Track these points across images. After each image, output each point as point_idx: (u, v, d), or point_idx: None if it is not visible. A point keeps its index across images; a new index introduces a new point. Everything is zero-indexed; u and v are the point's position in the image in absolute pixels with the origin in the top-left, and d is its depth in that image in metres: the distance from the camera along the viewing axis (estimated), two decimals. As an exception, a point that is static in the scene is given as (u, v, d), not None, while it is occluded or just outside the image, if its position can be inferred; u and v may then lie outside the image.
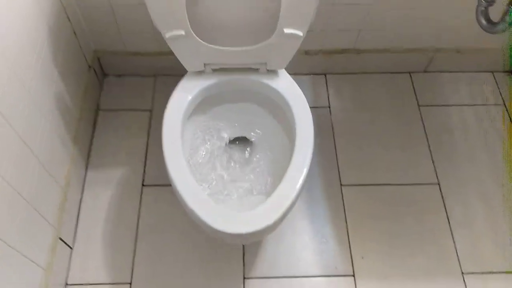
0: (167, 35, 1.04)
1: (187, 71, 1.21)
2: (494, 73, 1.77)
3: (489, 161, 1.57)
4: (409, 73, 1.75)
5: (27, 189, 1.08)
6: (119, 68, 1.64)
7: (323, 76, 1.73)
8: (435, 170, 1.54)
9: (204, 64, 1.16)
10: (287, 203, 1.03)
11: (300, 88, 1.21)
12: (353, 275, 1.35)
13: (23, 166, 1.07)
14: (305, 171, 1.08)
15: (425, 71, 1.76)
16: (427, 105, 1.68)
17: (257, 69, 1.19)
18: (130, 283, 1.31)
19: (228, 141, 1.30)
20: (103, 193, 1.45)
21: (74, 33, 1.39)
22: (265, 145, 1.29)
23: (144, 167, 1.50)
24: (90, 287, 1.30)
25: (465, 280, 1.36)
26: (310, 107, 1.17)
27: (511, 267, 1.38)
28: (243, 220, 1.02)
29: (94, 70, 1.56)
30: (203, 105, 1.23)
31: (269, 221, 1.02)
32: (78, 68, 1.45)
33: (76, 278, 1.32)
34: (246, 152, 1.29)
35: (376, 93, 1.70)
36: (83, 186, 1.46)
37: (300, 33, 1.06)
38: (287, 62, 1.17)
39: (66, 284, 1.30)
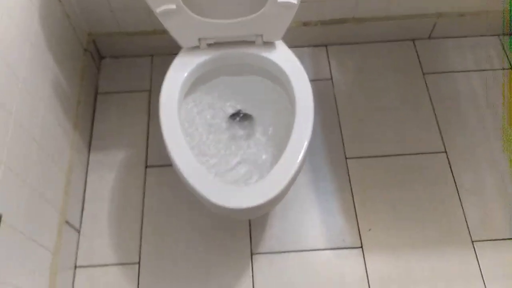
0: (158, 10, 1.02)
1: (181, 49, 1.18)
2: (500, 36, 1.71)
3: (496, 127, 1.53)
4: (413, 40, 1.71)
5: (31, 176, 1.08)
6: (115, 49, 1.62)
7: (324, 47, 1.69)
8: (442, 139, 1.51)
9: (199, 39, 1.14)
10: (288, 177, 1.02)
11: (301, 60, 1.18)
12: (361, 247, 1.34)
13: (26, 153, 1.07)
14: (305, 144, 1.06)
15: (429, 38, 1.71)
16: (432, 73, 1.64)
17: (253, 41, 1.17)
18: (139, 263, 1.32)
19: (228, 116, 1.28)
20: (107, 175, 1.45)
21: (67, 15, 1.37)
22: (266, 118, 1.27)
23: (147, 148, 1.49)
24: (99, 268, 1.31)
25: (475, 248, 1.34)
26: (311, 80, 1.15)
27: (521, 233, 1.36)
28: (244, 195, 1.01)
29: (90, 53, 1.55)
30: (200, 81, 1.21)
31: (271, 195, 1.01)
32: (73, 52, 1.43)
33: (84, 260, 1.32)
34: (247, 126, 1.27)
35: (379, 63, 1.66)
36: (87, 169, 1.46)
37: (294, 1, 1.03)
38: (283, 33, 1.14)
39: (75, 266, 1.31)
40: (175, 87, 1.12)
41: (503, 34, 1.71)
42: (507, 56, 1.67)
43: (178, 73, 1.14)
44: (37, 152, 1.12)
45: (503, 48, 1.69)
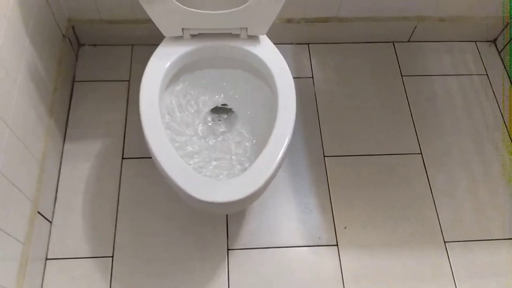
0: (143, -3, 1.00)
1: (164, 38, 1.16)
2: (477, 43, 1.76)
3: (472, 131, 1.57)
4: (393, 42, 1.73)
5: (2, 161, 1.04)
6: (94, 37, 1.58)
7: (306, 45, 1.69)
8: (418, 140, 1.54)
9: (182, 29, 1.12)
10: (268, 173, 1.01)
11: (284, 57, 1.18)
12: (337, 245, 1.35)
13: (-4, 136, 1.03)
14: (286, 140, 1.06)
15: (408, 41, 1.74)
16: (411, 75, 1.67)
17: (238, 34, 1.16)
18: (112, 256, 1.29)
19: (209, 110, 1.27)
20: (82, 166, 1.41)
21: (47, -1, 1.33)
22: (248, 113, 1.26)
23: (124, 139, 1.46)
24: (70, 261, 1.28)
25: (447, 249, 1.37)
26: (293, 78, 1.15)
27: (492, 235, 1.40)
28: (223, 189, 1.00)
29: (69, 40, 1.50)
30: (182, 72, 1.20)
31: (250, 190, 1.00)
32: (51, 37, 1.39)
33: (56, 252, 1.29)
34: (228, 120, 1.26)
35: (360, 63, 1.68)
36: (61, 159, 1.42)
37: (282, -6, 1.03)
38: (268, 27, 1.13)
39: (47, 258, 1.28)
40: (157, 76, 1.10)
41: (481, 41, 1.75)
42: (483, 62, 1.71)
43: (161, 61, 1.12)
44: (9, 137, 1.08)
45: (479, 54, 1.73)
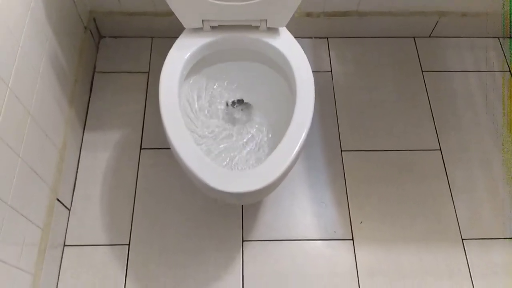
0: (164, -13, 1.00)
1: (184, 30, 1.17)
2: (500, 39, 1.72)
3: (491, 128, 1.55)
4: (414, 37, 1.71)
5: (24, 149, 1.06)
6: (115, 29, 1.60)
7: (325, 39, 1.68)
8: (437, 136, 1.52)
9: (202, 21, 1.13)
10: (285, 165, 1.02)
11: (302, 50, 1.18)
12: (352, 239, 1.35)
13: (20, 125, 1.05)
14: (304, 133, 1.05)
15: (430, 36, 1.71)
16: (431, 71, 1.65)
17: (257, 26, 1.16)
18: (129, 245, 1.31)
19: (228, 102, 1.27)
20: (100, 155, 1.43)
21: (69, -10, 1.35)
22: (266, 106, 1.26)
23: (142, 130, 1.48)
24: (87, 248, 1.30)
25: (465, 246, 1.35)
26: (312, 71, 1.14)
27: (509, 233, 1.37)
28: (240, 180, 1.00)
29: (90, 31, 1.52)
30: (202, 64, 1.20)
31: (267, 181, 1.00)
32: (73, 28, 1.41)
33: (73, 239, 1.31)
34: (246, 113, 1.27)
35: (379, 58, 1.66)
36: (80, 148, 1.44)
37: (302, -14, 1.02)
38: (288, 19, 1.13)
39: (65, 244, 1.30)
40: (177, 66, 1.11)
41: (503, 37, 1.72)
42: (506, 59, 1.68)
43: (181, 52, 1.13)
44: (31, 125, 1.10)
45: (503, 51, 1.70)
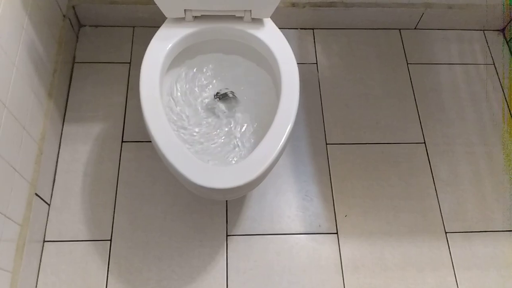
0: (144, -24, 0.97)
1: (166, 20, 1.14)
2: (485, 31, 1.72)
3: (477, 121, 1.55)
4: (399, 29, 1.70)
5: (0, 142, 1.03)
6: (95, 18, 1.55)
7: (311, 31, 1.66)
8: (422, 129, 1.52)
9: (185, 10, 1.09)
10: (269, 160, 1.00)
11: (288, 42, 1.15)
12: (337, 233, 1.34)
13: (-7, 117, 1.01)
14: (288, 128, 1.04)
15: (415, 28, 1.70)
16: (416, 63, 1.64)
17: (241, 17, 1.13)
18: (110, 240, 1.28)
19: (212, 95, 1.25)
20: (81, 148, 1.40)
21: (46, -23, 1.30)
22: (251, 99, 1.24)
23: (124, 122, 1.45)
24: (68, 244, 1.27)
25: (448, 239, 1.36)
26: (297, 63, 1.12)
27: (494, 227, 1.38)
28: (223, 175, 0.98)
29: (69, 20, 1.48)
30: (184, 55, 1.17)
31: (250, 177, 0.98)
32: (51, 17, 1.36)
33: (54, 234, 1.28)
34: (229, 106, 1.24)
35: (365, 50, 1.65)
36: (60, 141, 1.40)
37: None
38: (273, 10, 1.11)
39: (44, 240, 1.27)
40: (158, 57, 1.07)
41: (488, 30, 1.72)
42: (490, 52, 1.68)
43: (162, 43, 1.09)
44: (7, 118, 1.06)
45: (487, 43, 1.70)
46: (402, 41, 1.68)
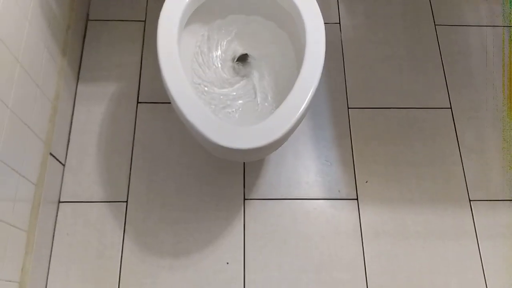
0: None
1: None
2: (519, -8, 1.63)
3: (506, 87, 1.48)
4: (427, -12, 1.61)
5: (13, 99, 0.99)
6: (110, -27, 1.49)
7: (335, -12, 1.59)
8: (448, 94, 1.46)
9: (205, -39, 1.03)
10: (290, 122, 0.95)
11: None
12: (357, 199, 1.31)
13: (7, 73, 0.97)
14: (313, 88, 0.98)
15: (444, -13, 1.61)
16: (444, 25, 1.56)
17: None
18: (126, 201, 1.26)
19: (232, 57, 1.20)
20: (95, 109, 1.36)
21: None
22: (271, 62, 1.19)
23: (139, 83, 1.40)
24: (83, 204, 1.26)
25: (472, 207, 1.32)
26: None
27: (518, 195, 1.34)
28: (244, 136, 0.94)
29: (83, -25, 1.42)
30: (202, 12, 1.11)
31: (271, 138, 0.94)
32: (64, -30, 1.30)
33: (69, 195, 1.26)
34: (250, 68, 1.19)
35: (391, 10, 1.57)
36: (74, 100, 1.37)
37: None
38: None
39: (59, 201, 1.26)
40: (176, 12, 1.02)
41: None
42: (523, 13, 1.59)
43: (180, -2, 1.03)
44: (19, 74, 1.02)
45: (521, 4, 1.61)
46: (430, 1, 1.59)
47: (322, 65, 1.01)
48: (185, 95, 0.96)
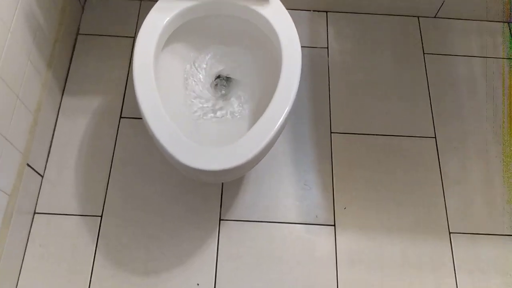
0: None
1: (167, -8, 1.09)
2: (510, 24, 1.62)
3: (492, 119, 1.47)
4: (418, 17, 1.61)
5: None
6: (102, -11, 1.52)
7: (325, 13, 1.59)
8: (433, 123, 1.45)
9: (185, -18, 1.04)
10: (263, 142, 0.95)
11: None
12: (334, 225, 1.29)
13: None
14: (286, 110, 0.99)
15: (435, 17, 1.61)
16: (433, 53, 1.56)
17: (245, -8, 1.07)
18: (101, 216, 1.26)
19: (211, 78, 1.20)
20: (79, 121, 1.37)
21: None
22: (250, 83, 1.19)
23: (124, 98, 1.41)
24: (59, 217, 1.25)
25: (452, 240, 1.29)
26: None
27: (501, 231, 1.31)
28: (214, 157, 0.94)
29: (75, -10, 1.44)
30: (183, 32, 1.12)
31: (245, 158, 0.94)
32: (55, -16, 1.33)
33: (45, 207, 1.26)
34: (228, 88, 1.20)
35: (380, 37, 1.57)
36: (58, 113, 1.38)
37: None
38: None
39: (35, 212, 1.25)
40: (154, 33, 1.03)
41: (503, 22, 1.62)
42: (514, 46, 1.59)
43: (159, 17, 1.04)
44: (-2, 85, 1.04)
45: (511, 36, 1.60)
46: (420, 29, 1.60)
47: (296, 88, 1.01)
48: (156, 114, 0.96)
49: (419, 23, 1.60)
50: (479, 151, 1.42)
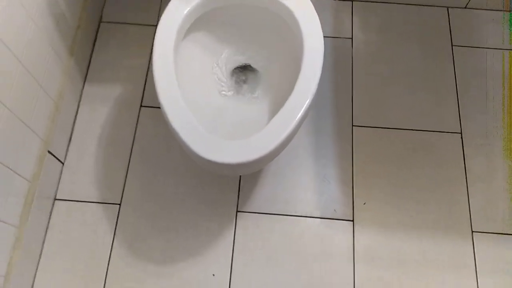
0: None
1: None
2: (546, 16, 1.55)
3: (523, 114, 1.41)
4: (447, 7, 1.55)
5: (11, 97, 1.01)
6: (125, -24, 1.51)
7: (350, 2, 1.55)
8: (460, 118, 1.40)
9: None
10: (282, 136, 0.93)
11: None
12: (352, 220, 1.27)
13: (5, 70, 0.98)
14: (307, 102, 0.96)
15: (465, 7, 1.55)
16: (462, 46, 1.50)
17: (267, -18, 1.05)
18: (120, 204, 1.27)
19: (231, 68, 1.19)
20: (100, 109, 1.38)
21: None
22: (271, 74, 1.17)
23: (144, 87, 1.41)
24: (78, 203, 1.27)
25: (474, 239, 1.26)
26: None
27: (525, 230, 1.27)
28: (231, 150, 0.93)
29: (98, -23, 1.44)
30: (204, 21, 1.11)
31: (262, 152, 0.92)
32: (78, -29, 1.33)
33: (65, 193, 1.28)
34: (249, 80, 1.18)
35: (407, 27, 1.52)
36: (79, 100, 1.39)
37: None
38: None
39: (55, 198, 1.27)
40: (174, 23, 1.01)
41: (503, 10, 1.54)
42: (549, 39, 1.52)
43: (179, 7, 1.03)
44: (19, 72, 1.04)
45: (546, 29, 1.53)
46: (449, 20, 1.54)
47: (317, 80, 0.98)
48: (175, 106, 0.95)
49: (448, 13, 1.54)
50: (505, 149, 1.37)
